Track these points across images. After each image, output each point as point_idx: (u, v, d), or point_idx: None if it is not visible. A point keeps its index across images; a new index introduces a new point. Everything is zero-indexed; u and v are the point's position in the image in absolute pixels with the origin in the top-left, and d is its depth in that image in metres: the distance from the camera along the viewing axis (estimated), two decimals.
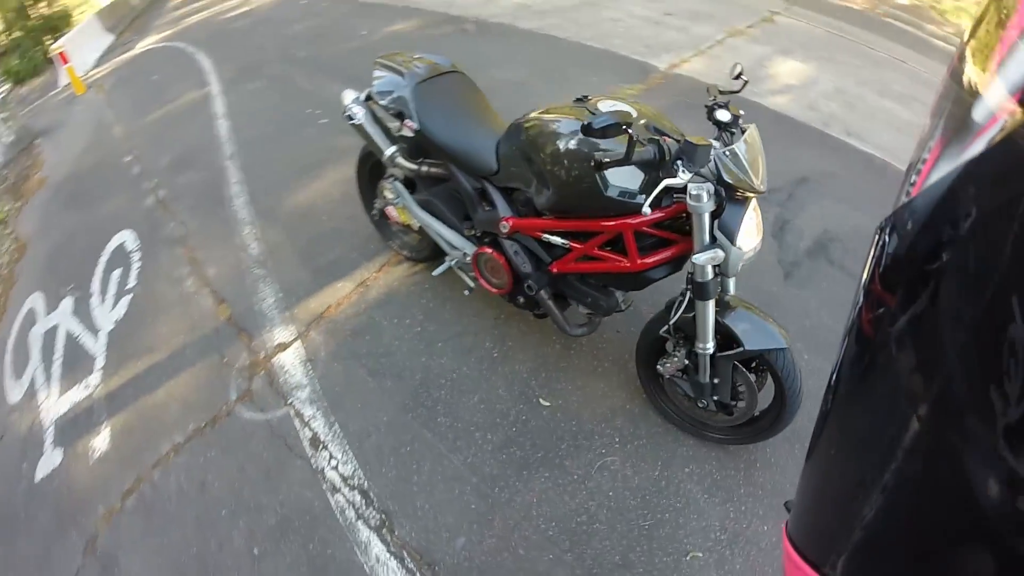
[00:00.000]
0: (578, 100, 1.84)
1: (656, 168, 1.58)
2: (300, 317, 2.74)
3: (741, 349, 1.68)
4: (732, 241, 1.53)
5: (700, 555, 1.81)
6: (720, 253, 1.55)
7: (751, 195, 1.54)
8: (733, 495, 1.95)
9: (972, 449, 0.41)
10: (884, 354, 0.49)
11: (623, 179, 1.67)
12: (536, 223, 1.98)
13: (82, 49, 9.63)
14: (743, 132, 1.54)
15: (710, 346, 1.71)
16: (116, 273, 3.43)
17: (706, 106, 1.61)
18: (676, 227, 1.70)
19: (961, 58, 0.51)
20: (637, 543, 1.84)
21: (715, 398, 1.85)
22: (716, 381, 1.81)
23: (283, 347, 2.62)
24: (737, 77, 1.66)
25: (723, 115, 1.58)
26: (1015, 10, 0.45)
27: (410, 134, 2.20)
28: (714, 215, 1.54)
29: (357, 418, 2.27)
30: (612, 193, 1.68)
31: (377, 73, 2.34)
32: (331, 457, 2.17)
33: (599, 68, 4.66)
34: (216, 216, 3.61)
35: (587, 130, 1.44)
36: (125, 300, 3.20)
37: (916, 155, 0.52)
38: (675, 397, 2.06)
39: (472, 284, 2.42)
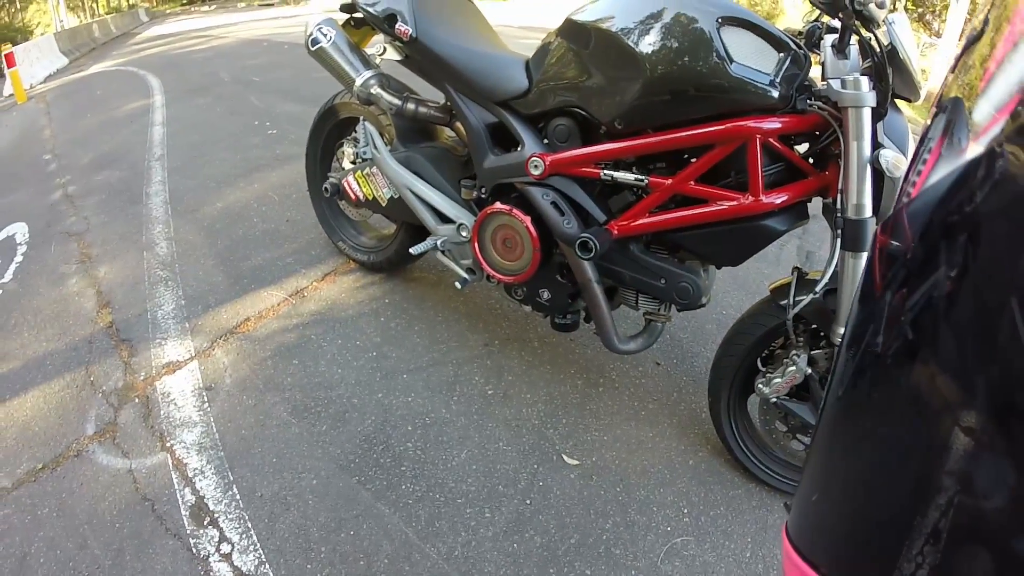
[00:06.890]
0: None
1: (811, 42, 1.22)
2: (204, 330, 2.12)
3: None
4: (904, 151, 1.12)
5: None
6: (902, 158, 1.10)
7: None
8: None
9: (972, 449, 0.41)
10: (883, 354, 0.49)
11: (751, 54, 1.19)
12: (593, 152, 1.38)
13: (33, 63, 9.61)
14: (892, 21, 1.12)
15: None
16: None
17: None
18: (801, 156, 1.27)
19: (961, 58, 0.51)
20: None
21: None
22: None
23: (173, 368, 1.96)
24: None
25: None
26: (1015, 11, 0.46)
27: (395, 55, 1.75)
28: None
29: (269, 479, 1.55)
30: (737, 72, 1.17)
31: None
32: (222, 540, 1.41)
33: None
34: (125, 213, 3.16)
35: None
36: None
37: (916, 155, 0.53)
38: (772, 435, 1.45)
39: (467, 275, 1.78)
